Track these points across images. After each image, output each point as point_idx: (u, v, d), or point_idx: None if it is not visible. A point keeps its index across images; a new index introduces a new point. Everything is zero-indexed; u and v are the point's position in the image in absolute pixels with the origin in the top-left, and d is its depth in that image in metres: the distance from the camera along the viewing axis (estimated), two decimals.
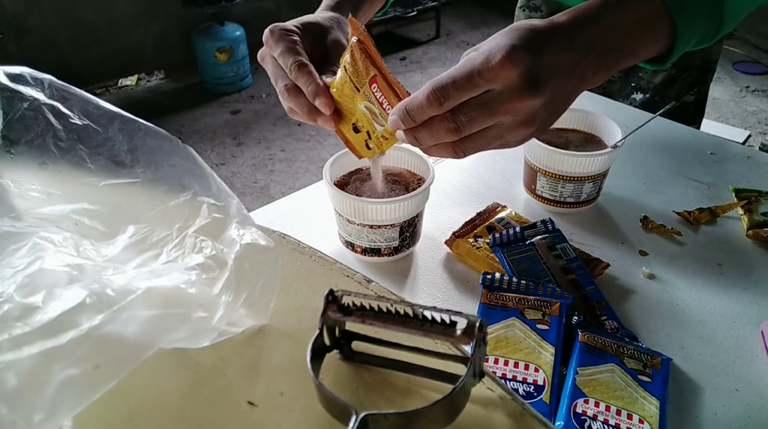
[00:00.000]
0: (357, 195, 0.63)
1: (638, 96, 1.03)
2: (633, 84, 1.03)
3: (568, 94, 0.48)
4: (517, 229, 0.65)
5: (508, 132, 0.47)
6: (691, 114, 1.02)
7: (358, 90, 0.51)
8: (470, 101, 0.45)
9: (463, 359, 0.36)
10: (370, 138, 0.55)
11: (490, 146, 0.48)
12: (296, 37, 0.56)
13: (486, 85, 0.44)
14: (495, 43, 0.44)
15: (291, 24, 0.57)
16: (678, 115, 0.98)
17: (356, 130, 0.56)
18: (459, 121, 0.45)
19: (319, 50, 0.58)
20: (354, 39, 0.51)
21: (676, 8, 0.50)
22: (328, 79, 0.55)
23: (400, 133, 0.49)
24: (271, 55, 0.56)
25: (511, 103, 0.44)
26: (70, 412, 0.29)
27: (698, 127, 1.03)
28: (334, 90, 0.54)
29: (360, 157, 0.60)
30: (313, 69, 0.54)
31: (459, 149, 0.48)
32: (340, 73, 0.53)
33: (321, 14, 0.62)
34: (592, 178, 0.70)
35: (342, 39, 0.60)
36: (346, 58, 0.52)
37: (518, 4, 1.10)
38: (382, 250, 0.65)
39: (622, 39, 0.49)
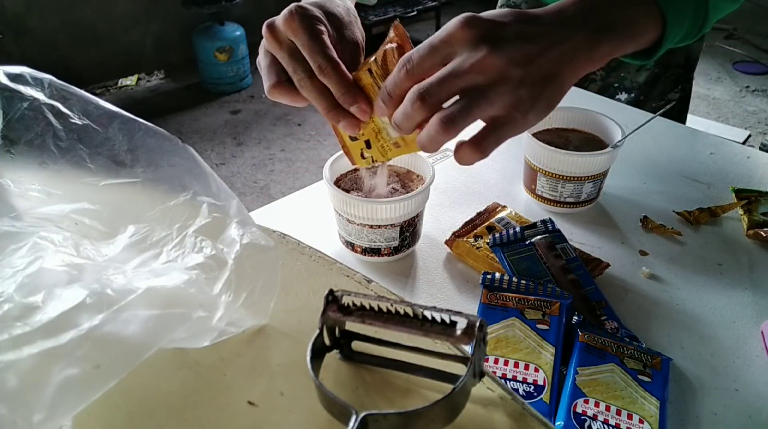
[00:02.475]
0: (357, 194, 0.63)
1: (623, 96, 1.04)
2: (616, 85, 1.03)
3: (557, 62, 0.46)
4: (517, 229, 0.65)
5: (489, 91, 0.44)
6: (677, 111, 1.03)
7: None
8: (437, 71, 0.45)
9: (463, 359, 0.36)
10: (368, 147, 0.55)
11: (477, 108, 0.45)
12: (323, 27, 0.52)
13: (444, 47, 0.45)
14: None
15: (315, 10, 0.53)
16: (664, 112, 0.98)
17: (353, 137, 0.55)
18: (426, 86, 0.44)
19: (340, 46, 0.55)
20: (393, 45, 0.49)
21: (666, 3, 0.51)
22: None
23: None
24: (288, 39, 0.51)
25: (470, 58, 0.44)
26: (70, 412, 0.29)
27: (684, 124, 1.04)
28: None
29: (353, 164, 0.59)
30: (345, 70, 0.51)
31: (447, 119, 0.44)
32: (360, 77, 0.51)
33: (338, 2, 0.58)
34: (592, 178, 0.70)
35: (356, 37, 0.57)
36: (374, 60, 0.50)
37: (499, 3, 1.09)
38: (382, 250, 0.65)
39: (614, 14, 0.49)
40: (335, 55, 0.51)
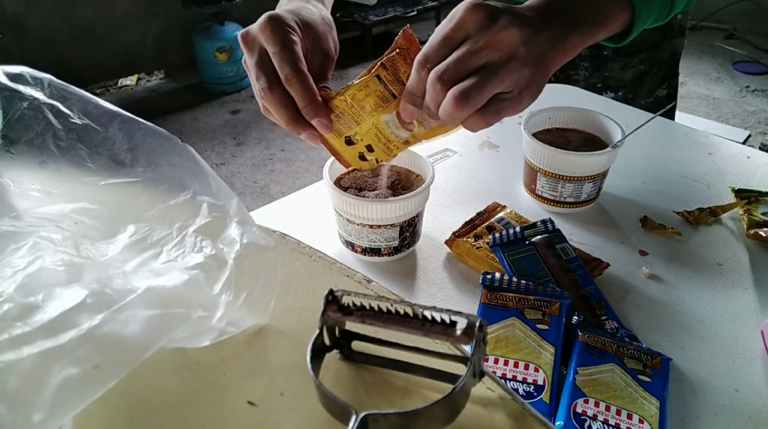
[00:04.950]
0: (357, 194, 0.63)
1: (610, 95, 1.04)
2: (599, 85, 1.03)
3: (545, 48, 0.49)
4: (517, 229, 0.65)
5: (500, 69, 0.46)
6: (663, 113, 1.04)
7: (395, 97, 0.50)
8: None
9: (463, 359, 0.36)
10: (370, 151, 0.55)
11: (489, 85, 0.46)
12: (296, 37, 0.53)
13: (457, 34, 0.47)
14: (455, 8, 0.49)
15: (291, 18, 0.54)
16: (651, 110, 0.98)
17: (349, 142, 0.54)
18: (443, 68, 0.46)
19: (311, 56, 0.56)
20: (400, 50, 0.49)
21: None
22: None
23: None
24: (261, 45, 0.52)
25: (485, 36, 0.46)
26: (70, 412, 0.29)
27: (673, 120, 1.04)
28: (342, 100, 0.51)
29: (348, 167, 0.59)
30: (312, 82, 0.51)
31: (461, 95, 0.45)
32: (367, 84, 0.50)
33: (315, 11, 0.59)
34: (592, 178, 0.70)
35: (329, 48, 0.57)
36: (382, 66, 0.49)
37: None
38: (382, 250, 0.65)
39: (581, 7, 0.53)
40: (304, 66, 0.51)
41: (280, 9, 0.57)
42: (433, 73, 0.46)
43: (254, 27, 0.53)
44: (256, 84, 0.52)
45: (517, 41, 0.46)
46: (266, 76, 0.51)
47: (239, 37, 0.54)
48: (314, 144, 0.54)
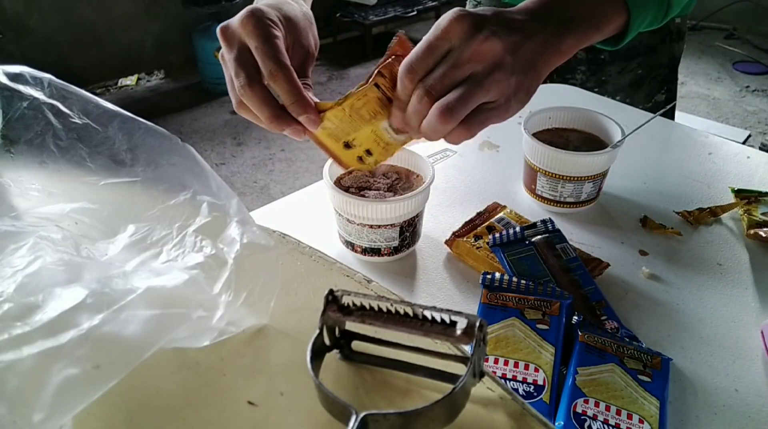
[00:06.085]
0: (357, 194, 0.63)
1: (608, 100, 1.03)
2: (596, 89, 1.03)
3: (534, 53, 0.49)
4: (517, 229, 0.65)
5: (484, 79, 0.46)
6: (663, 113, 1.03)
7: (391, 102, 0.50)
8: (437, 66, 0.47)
9: (463, 359, 0.36)
10: (369, 154, 0.55)
11: (474, 97, 0.46)
12: (279, 32, 0.51)
13: (441, 44, 0.46)
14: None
15: (273, 13, 0.52)
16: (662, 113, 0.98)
17: (348, 146, 0.54)
18: (430, 83, 0.46)
19: (293, 52, 0.55)
20: (397, 56, 0.49)
21: None
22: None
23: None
24: (241, 40, 0.51)
25: (469, 47, 0.46)
26: (70, 412, 0.29)
27: (672, 120, 1.04)
28: (340, 109, 0.50)
29: (347, 169, 0.59)
30: (296, 77, 0.50)
31: (445, 109, 0.46)
32: (366, 93, 0.50)
33: (296, 7, 0.58)
34: (592, 178, 0.70)
35: (309, 44, 0.57)
36: (379, 74, 0.49)
37: (466, 6, 1.10)
38: (382, 250, 0.65)
39: (576, 9, 0.52)
40: (288, 61, 0.50)
41: (260, 3, 0.55)
42: (419, 89, 0.47)
43: (234, 21, 0.51)
44: (235, 80, 0.50)
45: (501, 51, 0.46)
46: (246, 72, 0.50)
47: (218, 32, 0.52)
48: (299, 139, 0.53)
